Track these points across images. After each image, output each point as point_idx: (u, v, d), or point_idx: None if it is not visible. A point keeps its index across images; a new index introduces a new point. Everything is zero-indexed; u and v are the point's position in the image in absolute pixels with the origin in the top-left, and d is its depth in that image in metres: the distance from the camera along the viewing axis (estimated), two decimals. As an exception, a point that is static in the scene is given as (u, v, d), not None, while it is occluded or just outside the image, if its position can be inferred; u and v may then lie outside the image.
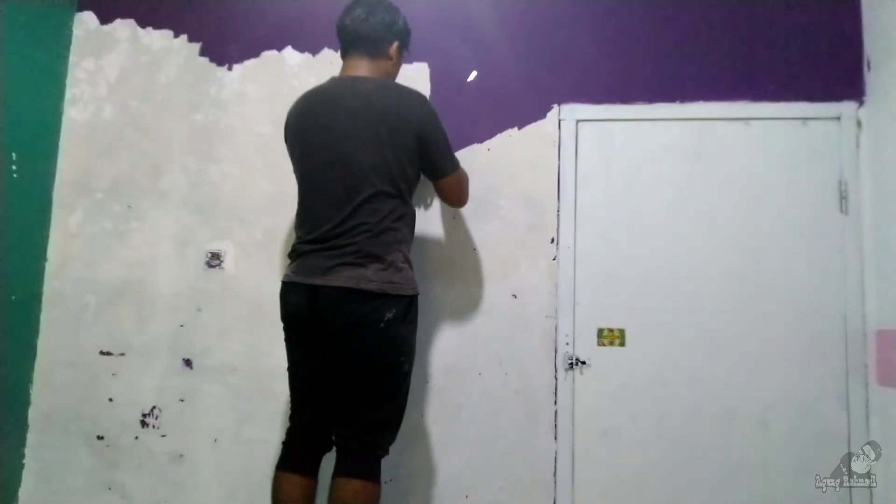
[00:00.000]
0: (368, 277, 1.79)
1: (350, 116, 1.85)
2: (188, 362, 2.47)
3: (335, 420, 1.89)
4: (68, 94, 2.68)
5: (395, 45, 2.00)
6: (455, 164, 2.03)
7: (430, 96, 2.42)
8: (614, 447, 2.26)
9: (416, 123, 1.86)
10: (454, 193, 2.11)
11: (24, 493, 2.49)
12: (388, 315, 1.81)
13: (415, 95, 1.93)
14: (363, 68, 1.96)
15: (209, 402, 2.44)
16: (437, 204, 2.43)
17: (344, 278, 1.79)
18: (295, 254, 1.92)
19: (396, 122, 1.85)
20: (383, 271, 1.81)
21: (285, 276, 1.92)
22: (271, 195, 2.49)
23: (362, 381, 1.84)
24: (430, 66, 2.50)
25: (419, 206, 2.40)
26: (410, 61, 2.47)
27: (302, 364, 1.93)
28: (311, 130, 1.92)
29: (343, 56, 2.01)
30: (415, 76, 2.46)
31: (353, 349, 1.82)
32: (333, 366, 1.87)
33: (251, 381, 2.43)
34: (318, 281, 1.81)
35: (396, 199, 1.86)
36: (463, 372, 2.35)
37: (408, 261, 1.91)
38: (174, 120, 2.61)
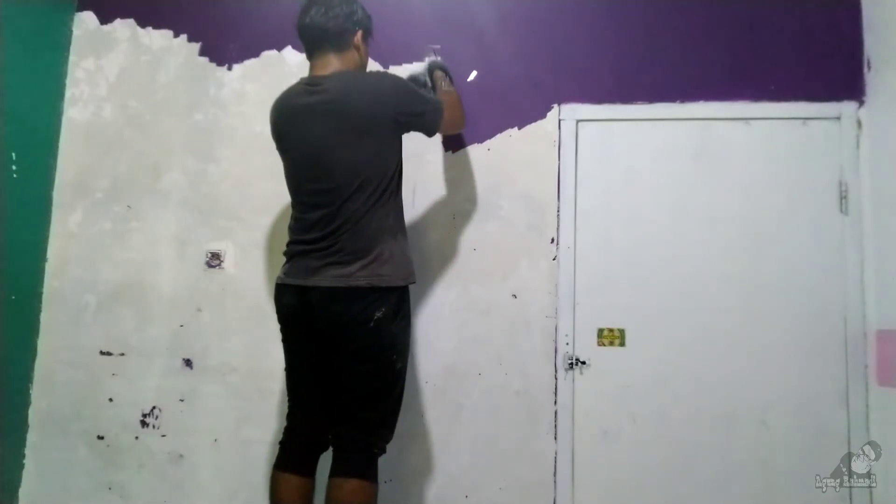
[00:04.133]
0: (355, 274, 1.79)
1: (322, 119, 1.84)
2: (188, 362, 2.47)
3: (331, 419, 1.90)
4: (68, 94, 2.68)
5: (359, 33, 1.98)
6: (438, 113, 1.99)
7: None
8: (614, 447, 2.26)
9: (392, 106, 1.85)
10: (451, 129, 2.18)
11: (24, 493, 2.49)
12: (378, 314, 1.81)
13: (378, 78, 1.94)
14: (332, 65, 1.93)
15: (209, 402, 2.44)
16: (435, 205, 2.42)
17: (331, 278, 1.80)
18: (288, 255, 1.93)
19: (371, 113, 1.83)
20: (369, 265, 1.81)
21: (278, 277, 1.94)
22: (271, 195, 2.48)
23: (356, 381, 1.84)
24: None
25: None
26: (411, 61, 2.47)
27: (298, 364, 1.94)
28: (289, 136, 1.92)
29: (309, 56, 1.98)
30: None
31: (346, 349, 1.83)
32: (328, 365, 1.88)
33: (251, 381, 2.43)
34: (307, 282, 1.83)
35: (378, 192, 1.85)
36: (463, 372, 2.35)
37: (399, 246, 1.89)
38: (174, 120, 2.61)
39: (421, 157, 2.41)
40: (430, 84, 2.23)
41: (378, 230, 1.84)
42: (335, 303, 1.80)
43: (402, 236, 1.94)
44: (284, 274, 1.91)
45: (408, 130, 1.96)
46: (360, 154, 1.83)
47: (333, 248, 1.82)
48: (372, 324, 1.80)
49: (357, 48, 1.98)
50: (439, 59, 2.28)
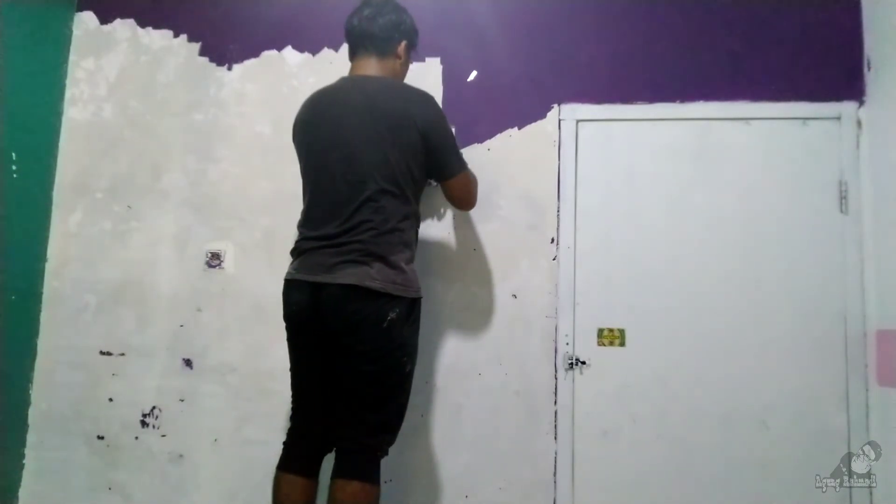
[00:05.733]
0: (372, 276, 1.78)
1: (355, 115, 1.86)
2: (188, 362, 2.47)
3: (336, 421, 1.89)
4: (68, 94, 2.68)
5: (403, 44, 2.01)
6: (462, 165, 2.03)
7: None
8: (614, 447, 2.26)
9: (421, 122, 1.86)
10: (461, 195, 2.11)
11: (24, 493, 2.49)
12: (391, 315, 1.80)
13: (421, 95, 1.93)
14: (372, 68, 1.97)
15: (209, 402, 2.44)
16: (435, 205, 2.42)
17: (347, 276, 1.78)
18: (297, 251, 1.91)
19: (401, 120, 1.85)
20: (387, 271, 1.80)
21: (288, 273, 1.91)
22: (271, 195, 2.48)
23: (364, 382, 1.83)
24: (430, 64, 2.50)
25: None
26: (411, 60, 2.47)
27: (303, 364, 1.92)
28: (316, 128, 1.92)
29: (352, 56, 2.02)
30: (416, 77, 2.46)
31: (356, 349, 1.81)
32: (335, 366, 1.86)
33: (251, 381, 2.43)
34: (321, 278, 1.80)
35: (401, 199, 1.86)
36: (463, 372, 2.35)
37: (412, 263, 1.91)
38: (174, 120, 2.61)
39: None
40: None
41: (401, 239, 1.85)
42: (350, 301, 1.78)
43: (414, 253, 1.94)
44: (294, 269, 1.88)
45: (429, 160, 1.93)
46: (390, 156, 1.83)
47: (352, 247, 1.80)
48: (385, 324, 1.79)
49: (399, 57, 2.01)
50: None
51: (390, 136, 1.83)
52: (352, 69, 2.01)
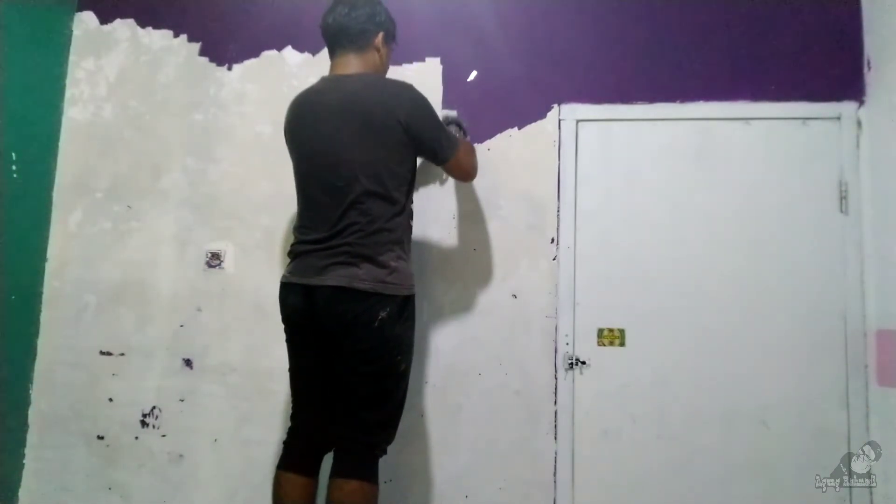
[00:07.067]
0: (360, 277, 1.79)
1: (337, 117, 1.85)
2: (188, 362, 2.47)
3: (334, 420, 1.89)
4: (68, 94, 2.68)
5: (381, 35, 1.98)
6: (453, 146, 2.00)
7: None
8: (614, 447, 2.26)
9: (403, 116, 1.84)
10: (460, 172, 2.12)
11: (24, 493, 2.49)
12: (382, 314, 1.80)
13: (400, 87, 1.91)
14: (352, 64, 1.94)
15: (209, 402, 2.44)
16: (435, 205, 2.43)
17: (337, 277, 1.79)
18: (292, 254, 1.93)
19: (383, 118, 1.83)
20: (376, 271, 1.81)
21: (283, 276, 1.93)
22: (271, 195, 2.48)
23: (360, 382, 1.84)
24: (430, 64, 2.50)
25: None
26: (411, 61, 2.48)
27: (302, 364, 1.94)
28: (301, 133, 1.92)
29: (331, 55, 2.00)
30: (416, 77, 2.46)
31: (350, 349, 1.82)
32: (332, 366, 1.87)
33: (251, 381, 2.43)
34: (312, 281, 1.82)
35: (388, 200, 1.85)
36: (463, 372, 2.35)
37: (404, 260, 1.90)
38: (174, 120, 2.61)
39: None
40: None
41: (389, 238, 1.84)
42: (340, 303, 1.79)
43: (408, 250, 1.94)
44: (289, 273, 1.90)
45: (420, 150, 1.93)
46: (373, 157, 1.83)
47: (340, 249, 1.81)
48: (376, 324, 1.80)
49: (377, 50, 1.98)
50: (454, 113, 2.31)
51: (373, 136, 1.83)
52: (331, 68, 1.98)
